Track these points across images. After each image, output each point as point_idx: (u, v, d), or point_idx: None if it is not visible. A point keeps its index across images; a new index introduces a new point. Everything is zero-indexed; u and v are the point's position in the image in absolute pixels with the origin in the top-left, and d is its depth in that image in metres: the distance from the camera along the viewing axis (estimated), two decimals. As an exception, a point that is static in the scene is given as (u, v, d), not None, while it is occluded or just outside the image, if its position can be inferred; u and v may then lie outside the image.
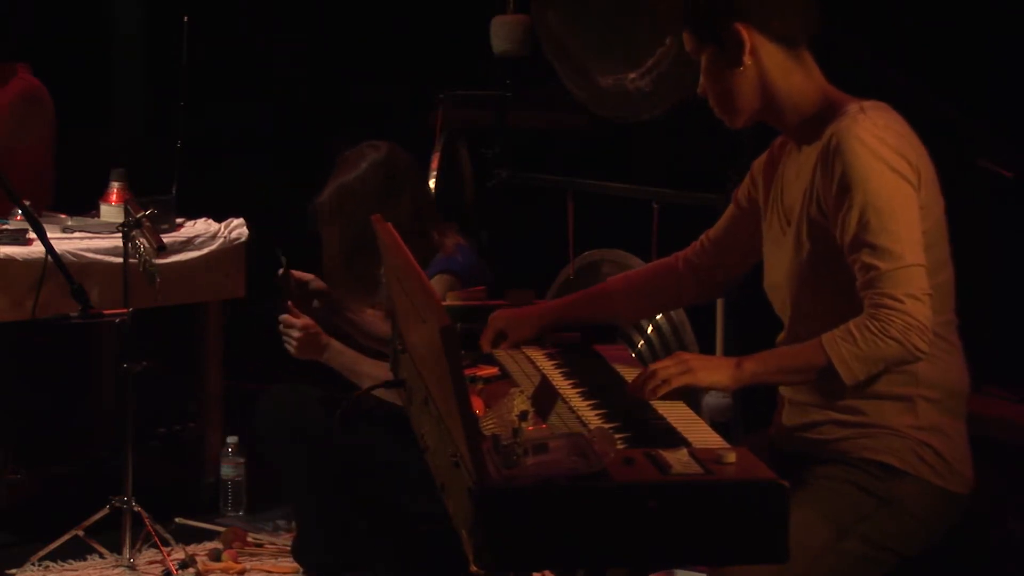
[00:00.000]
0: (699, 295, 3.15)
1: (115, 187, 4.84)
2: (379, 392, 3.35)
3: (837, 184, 2.61)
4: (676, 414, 2.55)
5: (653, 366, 2.65)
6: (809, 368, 2.60)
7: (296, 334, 3.80)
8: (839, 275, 2.64)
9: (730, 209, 3.02)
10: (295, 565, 4.15)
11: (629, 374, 2.80)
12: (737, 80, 2.72)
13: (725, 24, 2.69)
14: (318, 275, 3.93)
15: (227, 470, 4.84)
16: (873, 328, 2.53)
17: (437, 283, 3.70)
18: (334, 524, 3.85)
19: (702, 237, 3.07)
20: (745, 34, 2.69)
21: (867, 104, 2.69)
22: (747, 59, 2.70)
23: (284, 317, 3.83)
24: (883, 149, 2.60)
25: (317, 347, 3.83)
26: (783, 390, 2.84)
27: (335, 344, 3.84)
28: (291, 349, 3.84)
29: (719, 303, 4.24)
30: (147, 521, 4.28)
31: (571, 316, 3.09)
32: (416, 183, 3.94)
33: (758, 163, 2.94)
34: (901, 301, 2.53)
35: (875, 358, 2.54)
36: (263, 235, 4.79)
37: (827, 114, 2.70)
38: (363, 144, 3.88)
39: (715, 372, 2.63)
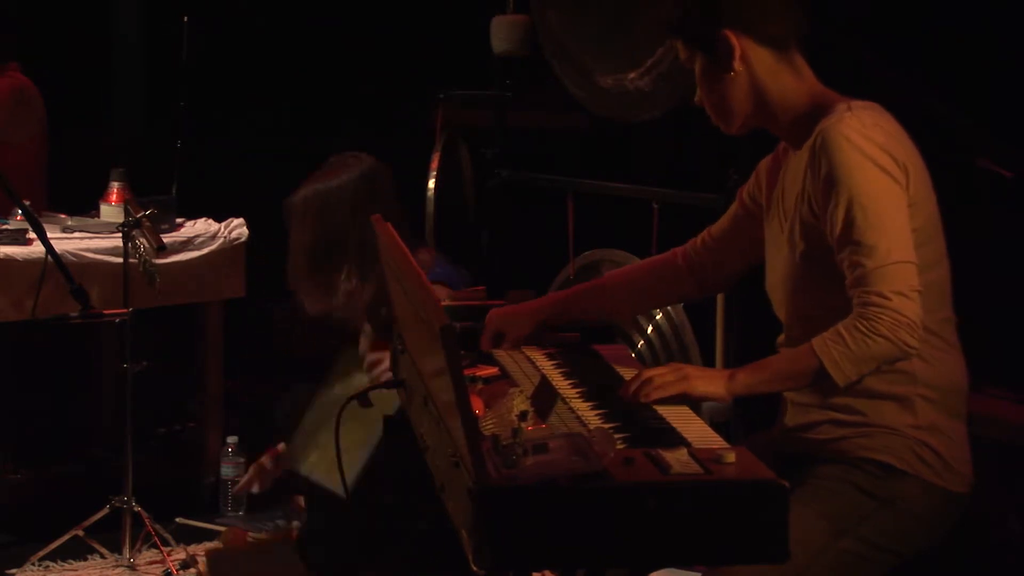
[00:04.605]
0: (697, 291, 3.15)
1: (115, 187, 4.84)
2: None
3: (823, 181, 2.62)
4: (676, 414, 2.55)
5: (648, 372, 2.64)
6: (802, 374, 2.59)
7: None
8: (832, 275, 2.64)
9: (734, 207, 3.02)
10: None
11: (629, 374, 2.79)
12: (729, 86, 2.74)
13: (714, 31, 2.71)
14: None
15: (227, 470, 4.84)
16: (862, 327, 2.52)
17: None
18: (338, 522, 3.85)
19: (703, 233, 3.07)
20: (734, 40, 2.71)
21: (855, 103, 2.69)
22: (737, 65, 2.72)
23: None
24: (868, 146, 2.60)
25: None
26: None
27: None
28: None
29: (719, 304, 4.24)
30: (147, 521, 4.28)
31: (568, 311, 3.08)
32: (392, 202, 3.86)
33: (764, 163, 2.95)
34: (888, 298, 2.52)
35: (865, 357, 2.53)
36: (263, 235, 4.79)
37: (817, 113, 2.71)
38: (348, 153, 3.82)
39: (710, 383, 2.62)
